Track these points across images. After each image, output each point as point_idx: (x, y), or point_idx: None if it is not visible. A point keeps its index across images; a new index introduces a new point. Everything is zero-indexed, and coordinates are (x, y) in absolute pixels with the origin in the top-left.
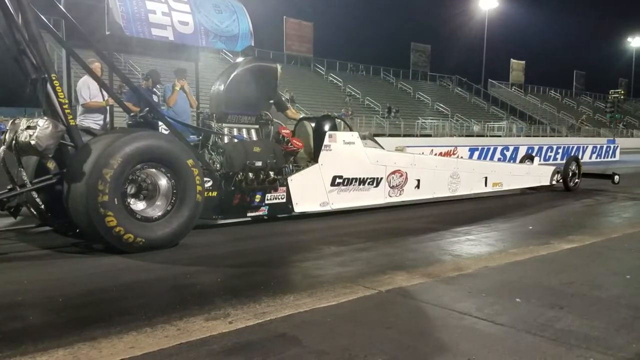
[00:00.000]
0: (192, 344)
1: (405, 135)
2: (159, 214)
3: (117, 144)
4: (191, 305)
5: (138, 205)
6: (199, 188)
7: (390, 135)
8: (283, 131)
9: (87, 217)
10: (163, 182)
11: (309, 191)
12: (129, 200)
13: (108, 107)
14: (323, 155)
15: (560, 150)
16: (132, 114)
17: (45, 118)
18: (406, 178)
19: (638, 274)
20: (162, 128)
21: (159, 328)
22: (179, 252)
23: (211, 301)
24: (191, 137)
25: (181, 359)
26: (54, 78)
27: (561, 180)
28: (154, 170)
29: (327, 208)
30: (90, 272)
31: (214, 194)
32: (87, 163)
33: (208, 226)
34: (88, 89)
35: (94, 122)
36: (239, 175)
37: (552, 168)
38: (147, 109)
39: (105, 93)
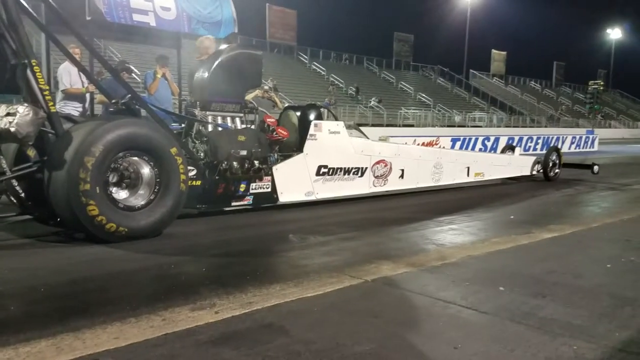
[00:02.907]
0: (178, 334)
1: (388, 125)
2: (142, 203)
3: (98, 131)
4: (176, 295)
5: (120, 194)
6: (182, 177)
7: (374, 125)
8: (268, 120)
9: (68, 206)
10: (146, 170)
11: (294, 181)
12: (111, 189)
13: (88, 94)
14: (308, 144)
15: (540, 141)
16: (113, 100)
17: (26, 104)
18: (390, 168)
19: (618, 263)
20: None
21: (143, 318)
22: (163, 241)
23: (197, 291)
24: (173, 124)
25: (167, 350)
26: (34, 64)
27: (541, 171)
28: (136, 158)
29: (312, 198)
30: (72, 262)
31: (198, 183)
32: (69, 151)
33: (192, 216)
34: (69, 75)
35: (74, 108)
36: (224, 164)
37: (533, 158)
38: (129, 95)
39: (85, 80)
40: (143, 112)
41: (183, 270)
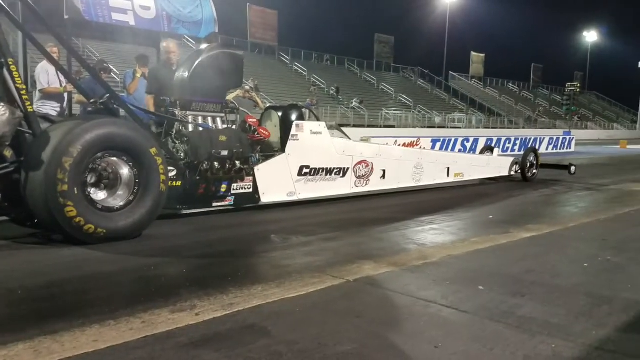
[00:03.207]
0: (158, 336)
1: (369, 126)
2: (121, 204)
3: (77, 131)
4: (156, 297)
5: (99, 195)
6: (162, 177)
7: (355, 126)
8: (250, 120)
9: (46, 207)
10: (125, 171)
11: (276, 181)
12: (89, 190)
13: (66, 94)
14: (290, 144)
15: (517, 142)
16: (92, 100)
17: (2, 104)
18: (372, 168)
19: (595, 262)
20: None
21: (123, 321)
22: (143, 243)
23: (177, 293)
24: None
25: (147, 352)
26: (11, 63)
27: (519, 171)
28: (115, 159)
29: (294, 198)
30: (50, 264)
31: (178, 183)
32: (46, 151)
33: (172, 216)
34: (47, 75)
35: (51, 108)
36: (204, 165)
37: (511, 159)
38: (108, 95)
39: (63, 79)
40: (122, 112)
41: (163, 271)
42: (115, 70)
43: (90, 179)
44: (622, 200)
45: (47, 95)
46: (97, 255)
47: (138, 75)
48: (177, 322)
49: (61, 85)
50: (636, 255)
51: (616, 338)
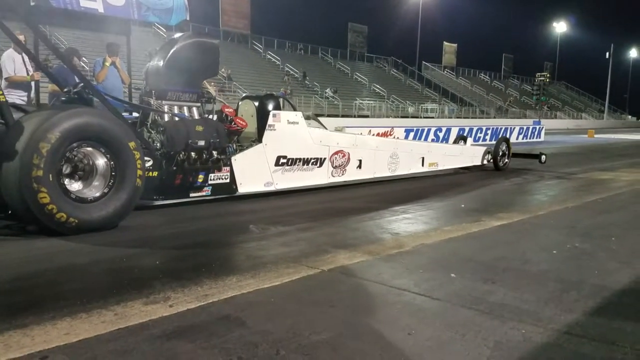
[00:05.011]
0: (131, 329)
1: (343, 116)
2: (96, 195)
3: (55, 118)
4: (129, 289)
5: (73, 186)
6: (139, 172)
7: (329, 116)
8: (226, 110)
9: (19, 192)
10: (101, 162)
11: (253, 171)
12: (64, 180)
13: (33, 82)
14: (267, 135)
15: (489, 132)
16: (65, 89)
17: None
18: (348, 158)
19: (563, 249)
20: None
21: (95, 313)
22: (117, 234)
23: (150, 285)
24: (124, 114)
25: (120, 345)
26: None
27: (492, 160)
28: (91, 149)
29: (272, 188)
30: (21, 256)
31: (155, 174)
32: (22, 137)
33: (148, 207)
34: (12, 63)
35: (17, 97)
36: (181, 155)
37: (484, 149)
38: (82, 84)
39: (30, 67)
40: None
41: (136, 263)
42: (84, 58)
43: (66, 169)
44: (590, 188)
45: (13, 84)
46: (70, 246)
47: (107, 63)
48: (151, 314)
49: (28, 74)
50: (603, 242)
51: (584, 322)
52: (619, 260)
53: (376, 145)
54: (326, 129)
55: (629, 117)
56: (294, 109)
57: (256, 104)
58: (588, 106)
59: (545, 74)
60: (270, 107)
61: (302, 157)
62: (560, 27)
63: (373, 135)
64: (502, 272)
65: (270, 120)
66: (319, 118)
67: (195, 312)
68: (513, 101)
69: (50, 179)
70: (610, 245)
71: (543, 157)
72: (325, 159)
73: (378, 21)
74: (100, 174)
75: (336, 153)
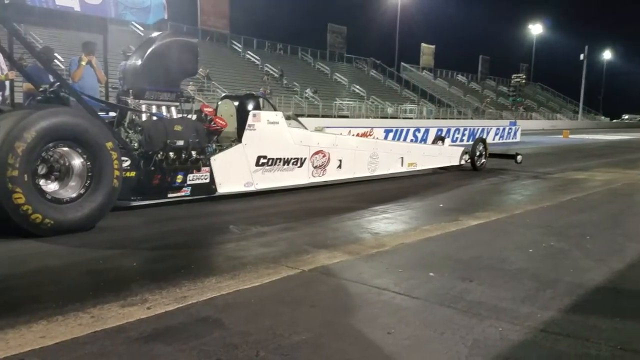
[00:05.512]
0: (107, 331)
1: (323, 116)
2: (72, 195)
3: (31, 117)
4: (106, 291)
5: (49, 186)
6: (116, 173)
7: (309, 116)
8: (206, 109)
9: None
10: (77, 162)
11: (232, 171)
12: (39, 181)
13: (8, 82)
14: (247, 134)
15: (466, 132)
16: (41, 88)
17: None
18: (329, 158)
19: (539, 247)
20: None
21: (71, 316)
22: (94, 235)
23: (127, 287)
24: (100, 113)
25: (97, 348)
26: None
27: (469, 160)
28: (68, 149)
29: (252, 188)
30: None
31: (132, 174)
32: None
33: (125, 208)
34: None
35: None
36: (159, 155)
37: (462, 149)
38: (58, 83)
39: (3, 66)
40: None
41: (114, 265)
42: (59, 57)
43: (42, 169)
44: (565, 187)
45: None
46: (46, 248)
47: (83, 63)
48: (128, 316)
49: (2, 73)
50: (578, 241)
51: (559, 320)
52: (593, 258)
53: (356, 146)
54: (306, 129)
55: (603, 117)
56: (274, 109)
57: (236, 103)
58: (563, 107)
59: (521, 75)
60: (250, 106)
61: (282, 157)
62: (535, 29)
63: (353, 135)
64: (480, 271)
65: (250, 120)
66: (299, 118)
67: (173, 314)
68: (490, 102)
69: (26, 179)
70: (585, 244)
71: (519, 157)
72: (305, 159)
73: (357, 22)
74: (77, 175)
75: (316, 153)
